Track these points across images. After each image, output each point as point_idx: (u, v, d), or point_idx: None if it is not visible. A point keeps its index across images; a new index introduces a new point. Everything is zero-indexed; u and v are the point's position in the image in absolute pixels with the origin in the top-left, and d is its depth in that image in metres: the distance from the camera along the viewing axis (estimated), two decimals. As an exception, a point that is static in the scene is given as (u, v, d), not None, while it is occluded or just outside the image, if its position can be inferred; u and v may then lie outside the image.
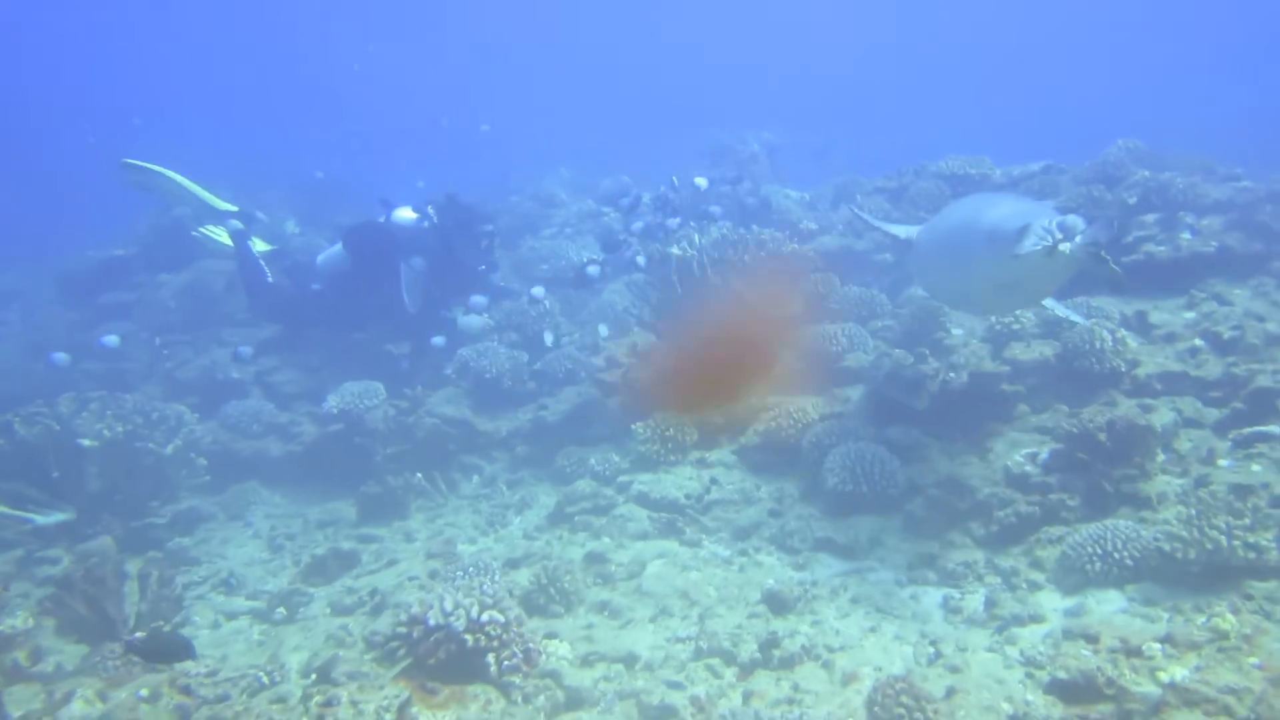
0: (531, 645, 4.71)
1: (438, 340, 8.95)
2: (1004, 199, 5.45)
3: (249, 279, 9.84)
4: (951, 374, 6.94)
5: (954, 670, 4.60)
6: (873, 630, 5.21)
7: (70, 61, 44.71)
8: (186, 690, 4.21)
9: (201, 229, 10.59)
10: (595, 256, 8.54)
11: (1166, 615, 4.71)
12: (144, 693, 4.16)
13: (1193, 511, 4.94)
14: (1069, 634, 4.65)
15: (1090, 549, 5.20)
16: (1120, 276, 4.65)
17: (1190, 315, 7.47)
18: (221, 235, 10.34)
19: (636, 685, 4.80)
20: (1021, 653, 4.66)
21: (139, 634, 5.12)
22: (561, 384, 8.97)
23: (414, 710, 4.09)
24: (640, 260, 8.61)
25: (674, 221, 9.10)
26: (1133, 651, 4.26)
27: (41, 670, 4.93)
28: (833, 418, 7.27)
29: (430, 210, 9.22)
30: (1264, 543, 4.71)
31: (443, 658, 4.40)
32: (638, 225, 9.05)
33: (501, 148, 25.68)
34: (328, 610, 6.17)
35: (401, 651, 4.46)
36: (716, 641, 5.10)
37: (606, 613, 5.67)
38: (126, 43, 44.71)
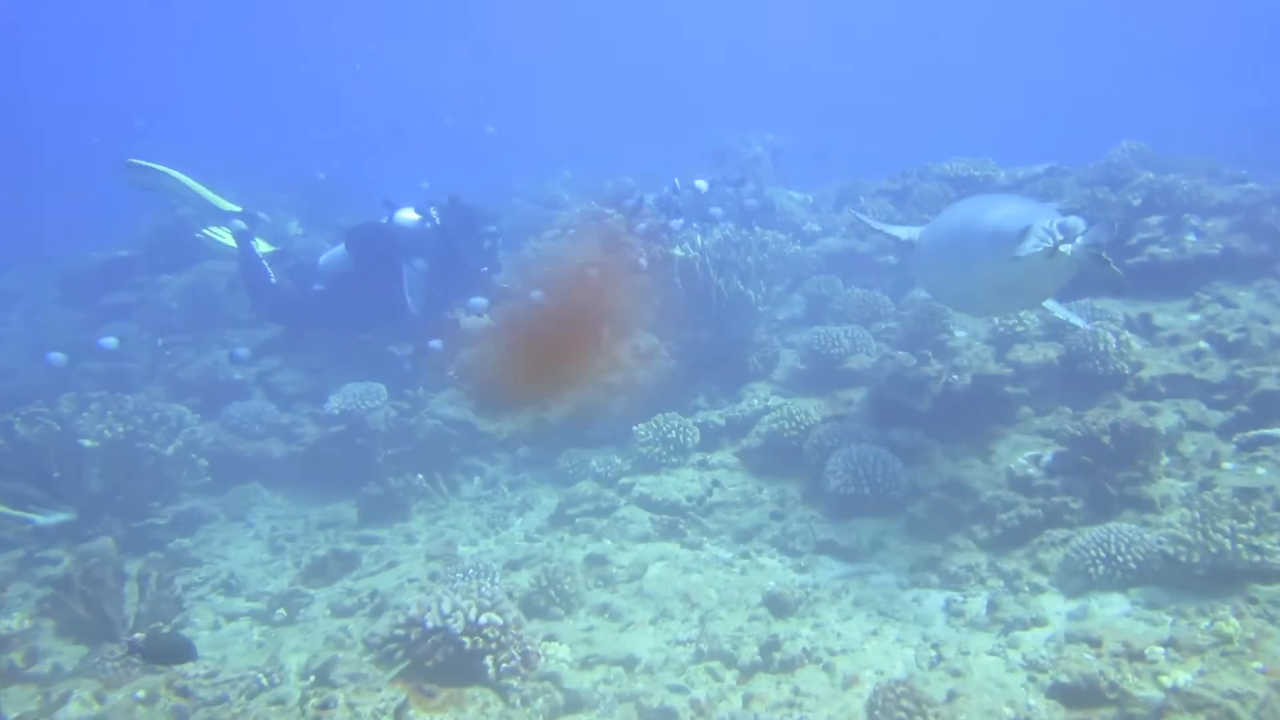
0: (530, 648, 4.69)
1: (435, 344, 8.92)
2: (1005, 200, 5.43)
3: (252, 280, 9.82)
4: (954, 376, 6.92)
5: (956, 674, 4.57)
6: (874, 633, 5.18)
7: (73, 62, 44.84)
8: (184, 692, 4.19)
9: (205, 230, 10.59)
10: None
11: (1170, 619, 4.68)
12: (141, 694, 4.14)
13: (1197, 515, 4.91)
14: (1071, 637, 4.61)
15: (1093, 552, 5.17)
16: (1121, 278, 4.63)
17: (1195, 318, 7.44)
18: (225, 237, 10.33)
19: (636, 688, 4.77)
20: (1024, 656, 4.63)
21: (138, 635, 5.11)
22: (563, 385, 8.94)
23: (411, 713, 4.07)
24: (642, 262, 8.59)
25: (677, 223, 9.08)
26: (1135, 655, 4.24)
27: (38, 672, 4.92)
28: (835, 420, 7.25)
29: (433, 211, 9.19)
30: (1268, 546, 4.68)
31: (440, 660, 4.38)
32: (642, 227, 9.03)
33: (506, 149, 25.70)
34: (328, 612, 6.15)
35: (399, 654, 4.43)
36: (717, 644, 5.07)
37: (607, 615, 5.65)
38: (129, 43, 44.81)
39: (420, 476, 7.99)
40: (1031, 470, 6.12)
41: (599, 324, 7.46)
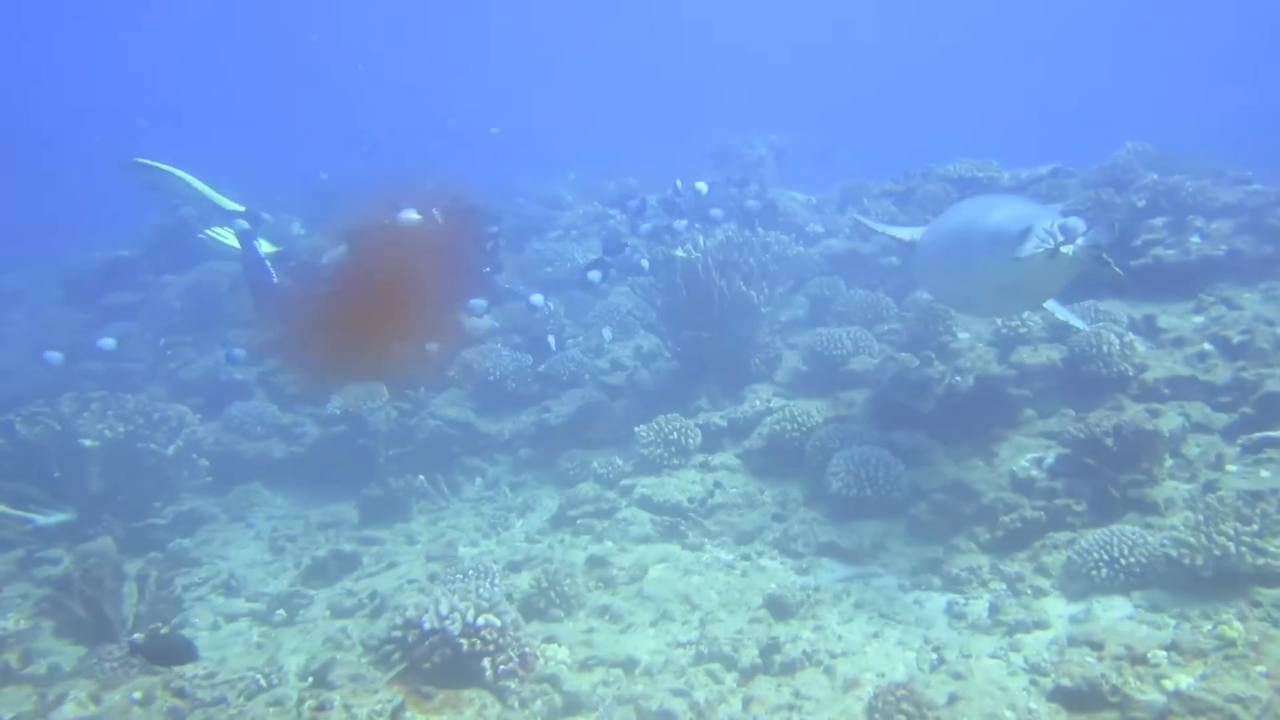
0: (528, 650, 4.67)
1: (432, 347, 8.89)
2: (1006, 201, 5.41)
3: (254, 280, 9.80)
4: (957, 378, 6.89)
5: (957, 677, 4.54)
6: (875, 636, 5.16)
7: (74, 62, 44.93)
8: (180, 693, 4.17)
9: (208, 231, 10.57)
10: (598, 257, 8.47)
11: (1173, 622, 4.64)
12: (137, 695, 4.13)
13: (1200, 517, 4.88)
14: (1074, 641, 4.58)
15: (1096, 555, 5.13)
16: (1122, 278, 4.60)
17: (1199, 319, 7.40)
18: (229, 237, 10.31)
19: (636, 690, 4.75)
20: (1026, 659, 4.60)
21: (136, 636, 5.09)
22: (565, 386, 8.93)
23: (408, 715, 4.04)
24: (644, 264, 8.56)
25: (681, 224, 9.06)
26: (1138, 659, 4.21)
27: (33, 672, 4.90)
28: (837, 421, 7.22)
29: (435, 213, 9.17)
30: (1272, 549, 4.64)
31: (438, 662, 4.36)
32: (645, 227, 9.01)
33: (510, 150, 25.68)
34: (327, 613, 6.13)
35: (397, 655, 4.41)
36: (717, 646, 5.05)
37: (607, 617, 5.62)
38: (131, 43, 44.89)
39: (421, 477, 7.97)
40: (1034, 472, 6.09)
41: (413, 290, 7.18)
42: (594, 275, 8.20)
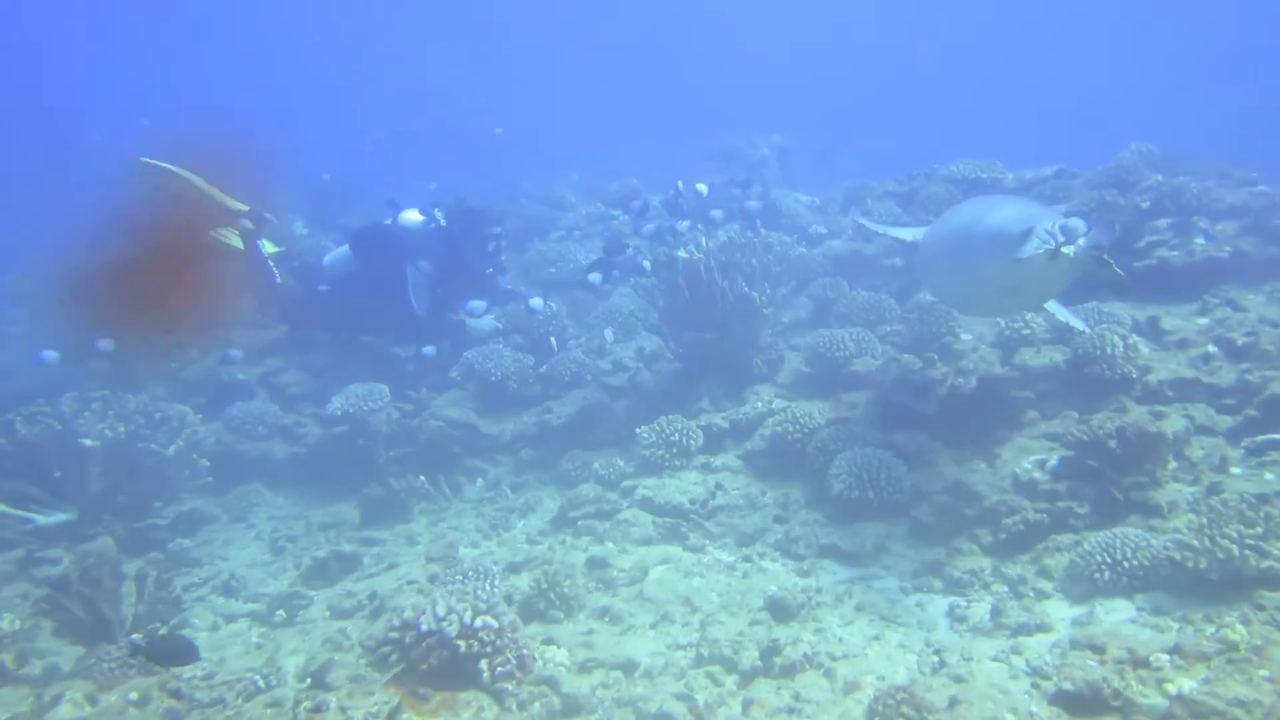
0: (526, 651, 4.64)
1: (428, 350, 8.90)
2: (1007, 201, 5.39)
3: (257, 279, 9.81)
4: (960, 379, 6.86)
5: (958, 680, 4.51)
6: (876, 638, 5.13)
7: (75, 62, 45.03)
8: (177, 694, 4.16)
9: (213, 233, 10.57)
10: (599, 258, 8.46)
11: (1176, 625, 4.61)
12: (133, 696, 4.11)
13: (1204, 520, 4.85)
14: (1076, 644, 4.55)
15: (1099, 557, 5.10)
16: (1123, 279, 4.58)
17: (1203, 321, 7.37)
18: (233, 239, 10.31)
19: (635, 692, 4.72)
20: (1028, 663, 4.57)
21: (135, 636, 5.08)
22: (567, 387, 8.90)
23: (404, 717, 4.02)
24: (646, 265, 8.55)
25: (684, 225, 9.04)
26: (1140, 662, 4.18)
27: (28, 673, 4.89)
28: (839, 423, 7.19)
29: (437, 213, 9.18)
30: (1277, 552, 4.62)
31: (435, 663, 4.34)
32: (649, 228, 9.00)
33: (515, 151, 25.70)
34: (327, 613, 6.12)
35: (393, 657, 4.39)
36: (717, 648, 5.03)
37: (607, 618, 5.59)
38: (133, 42, 44.98)
39: (422, 478, 7.95)
40: (1037, 474, 6.07)
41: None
42: (594, 277, 8.19)
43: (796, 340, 8.91)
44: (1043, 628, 4.91)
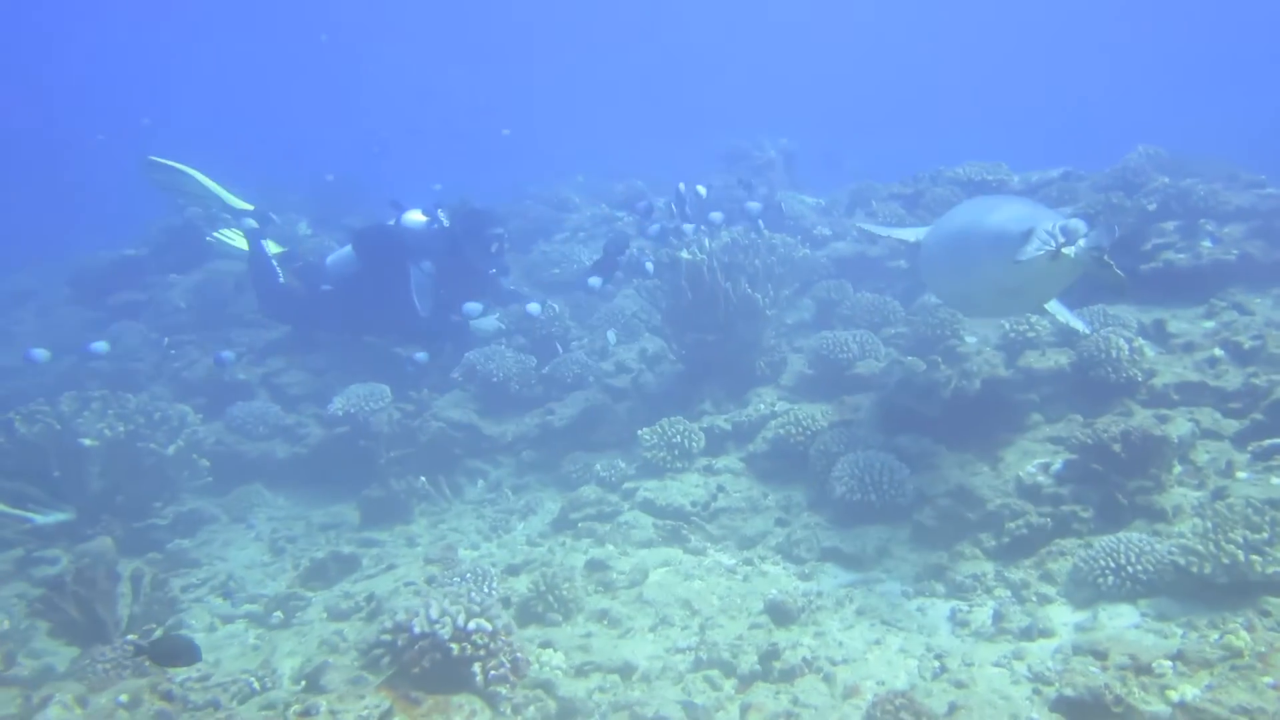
0: (520, 655, 4.58)
1: (420, 356, 8.88)
2: (1008, 202, 5.35)
3: (260, 279, 9.81)
4: (964, 382, 6.80)
5: (959, 685, 4.46)
6: (877, 643, 5.07)
7: (76, 62, 45.18)
8: (168, 696, 4.12)
9: (216, 233, 10.61)
10: (600, 258, 8.43)
11: (1180, 631, 4.55)
12: (124, 699, 4.07)
13: (1209, 525, 4.78)
14: (1078, 649, 4.50)
15: (1103, 562, 5.04)
16: (1122, 280, 4.52)
17: (1210, 324, 7.30)
18: (237, 239, 10.33)
19: (632, 696, 4.68)
20: (1029, 668, 4.51)
21: (131, 637, 5.05)
22: (569, 389, 8.86)
23: (396, 720, 3.98)
24: (649, 266, 8.52)
25: (689, 226, 9.01)
26: (1142, 669, 4.12)
27: (16, 674, 4.86)
28: (842, 425, 7.13)
29: (440, 214, 9.16)
30: (1282, 558, 4.55)
31: (427, 666, 4.28)
32: (654, 229, 8.97)
33: (521, 152, 25.73)
34: (324, 615, 6.08)
35: (386, 659, 4.34)
36: (716, 652, 4.98)
37: (605, 621, 5.54)
38: (134, 42, 45.11)
39: (423, 479, 7.92)
40: (1041, 478, 6.00)
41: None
42: (594, 282, 8.16)
43: (800, 342, 8.86)
44: (1045, 633, 4.85)
